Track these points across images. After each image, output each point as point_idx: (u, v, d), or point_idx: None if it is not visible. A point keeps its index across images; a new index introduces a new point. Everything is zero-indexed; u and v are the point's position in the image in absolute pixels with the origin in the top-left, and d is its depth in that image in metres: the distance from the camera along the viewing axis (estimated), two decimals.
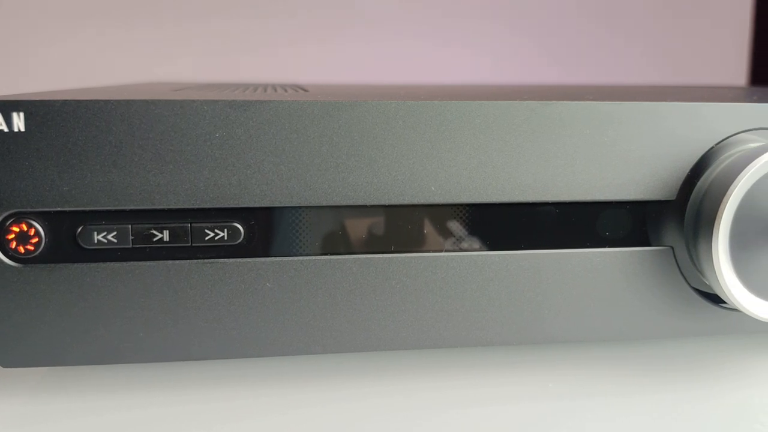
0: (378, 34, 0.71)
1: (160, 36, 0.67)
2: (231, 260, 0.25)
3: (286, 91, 0.36)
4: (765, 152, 0.25)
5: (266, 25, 0.69)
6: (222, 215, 0.25)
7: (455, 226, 0.27)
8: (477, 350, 0.30)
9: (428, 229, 0.26)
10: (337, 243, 0.26)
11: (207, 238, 0.25)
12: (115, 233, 0.24)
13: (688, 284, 0.28)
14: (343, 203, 0.25)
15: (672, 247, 0.28)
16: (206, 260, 0.25)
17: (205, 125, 0.24)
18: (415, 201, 0.26)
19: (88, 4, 0.65)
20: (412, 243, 0.26)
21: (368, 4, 0.70)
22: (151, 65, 0.67)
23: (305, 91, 0.35)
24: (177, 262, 0.25)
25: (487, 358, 0.30)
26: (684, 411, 0.25)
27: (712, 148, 0.27)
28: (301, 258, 0.25)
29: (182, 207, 0.24)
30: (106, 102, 0.24)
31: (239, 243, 0.25)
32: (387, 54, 0.71)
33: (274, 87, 0.43)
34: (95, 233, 0.24)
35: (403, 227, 0.26)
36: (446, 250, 0.27)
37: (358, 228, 0.26)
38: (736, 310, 0.27)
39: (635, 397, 0.27)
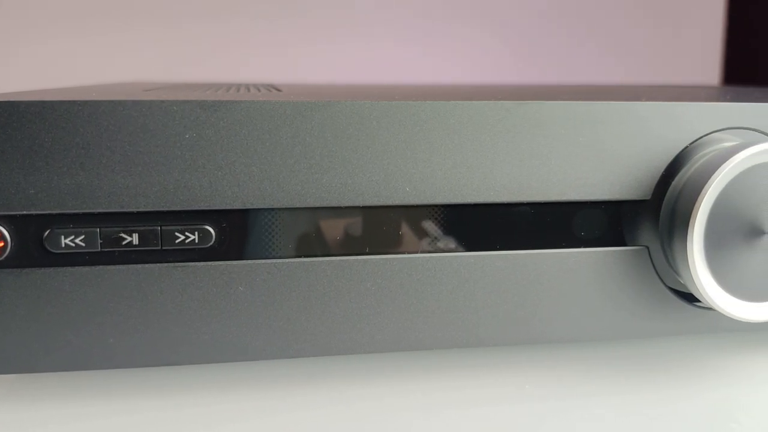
0: (352, 35, 0.70)
1: (136, 36, 0.66)
2: (202, 264, 0.25)
3: (259, 91, 0.36)
4: (739, 151, 0.25)
5: (241, 25, 0.68)
6: (193, 218, 0.24)
7: (430, 227, 0.26)
8: (451, 352, 0.30)
9: (403, 230, 0.26)
10: (310, 245, 0.25)
11: (177, 241, 0.24)
12: (83, 237, 0.24)
13: (664, 284, 0.28)
14: (317, 205, 0.25)
15: (647, 247, 0.28)
16: (177, 264, 0.24)
17: (174, 126, 0.23)
18: (389, 202, 0.25)
19: (64, 6, 0.64)
20: (388, 244, 0.26)
21: (342, 5, 0.70)
22: (127, 66, 0.66)
23: (279, 91, 0.35)
24: (147, 266, 0.24)
25: (461, 360, 0.29)
26: (660, 411, 0.25)
27: (687, 147, 0.27)
28: (274, 261, 0.25)
29: (152, 209, 0.24)
30: (73, 103, 0.23)
31: (210, 246, 0.25)
32: (361, 55, 0.71)
33: (247, 87, 0.42)
34: (63, 237, 0.24)
35: (378, 228, 0.26)
36: (422, 252, 0.26)
37: (332, 229, 0.26)
38: (711, 309, 0.27)
39: (611, 397, 0.26)
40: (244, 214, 0.25)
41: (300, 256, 0.25)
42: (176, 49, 0.67)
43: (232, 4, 0.68)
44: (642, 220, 0.27)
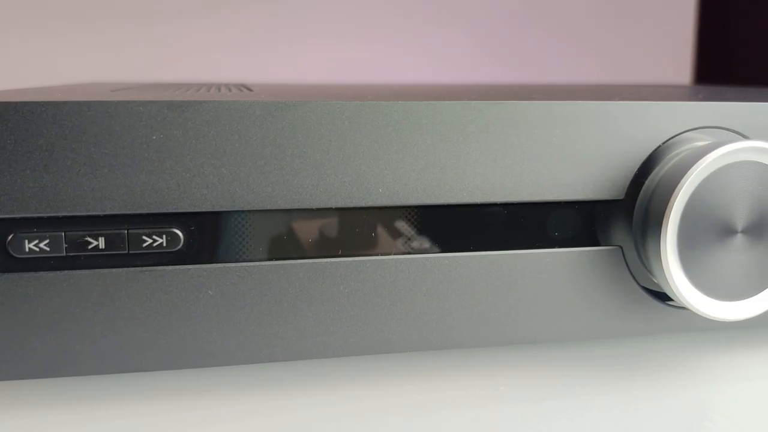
0: (326, 35, 0.70)
1: (109, 36, 0.65)
2: (170, 268, 0.24)
3: (230, 90, 0.35)
4: (711, 151, 0.25)
5: (216, 25, 0.67)
6: (160, 221, 0.24)
7: (404, 228, 0.26)
8: (425, 354, 0.30)
9: (377, 231, 0.26)
10: (281, 248, 0.25)
11: (145, 244, 0.24)
12: (47, 241, 0.23)
13: (637, 283, 0.28)
14: (288, 206, 0.24)
15: (621, 247, 0.28)
16: (144, 268, 0.24)
17: (141, 127, 0.23)
18: (362, 203, 0.25)
19: (37, 5, 0.63)
20: (360, 246, 0.26)
21: (313, 5, 0.69)
22: (100, 66, 0.65)
23: (250, 90, 0.34)
24: (113, 270, 0.24)
25: (436, 362, 0.29)
26: (634, 410, 0.25)
27: (659, 147, 0.27)
28: (244, 264, 0.25)
29: (118, 213, 0.23)
30: (36, 104, 0.22)
31: (179, 249, 0.24)
32: (334, 55, 0.70)
33: (218, 87, 0.42)
34: (26, 241, 0.23)
35: (350, 230, 0.26)
36: (395, 253, 0.26)
37: (303, 232, 0.25)
38: (684, 308, 0.28)
39: (586, 397, 0.26)
40: (213, 216, 0.24)
41: (271, 259, 0.25)
42: (150, 49, 0.66)
43: (209, 4, 0.67)
44: (615, 220, 0.27)
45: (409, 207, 0.26)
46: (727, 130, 0.28)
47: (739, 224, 0.26)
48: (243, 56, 0.68)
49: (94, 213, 0.23)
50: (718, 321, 0.27)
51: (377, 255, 0.26)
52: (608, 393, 0.27)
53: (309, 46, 0.70)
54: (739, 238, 0.26)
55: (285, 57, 0.70)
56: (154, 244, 0.24)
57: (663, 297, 0.28)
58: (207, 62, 0.67)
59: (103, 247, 0.24)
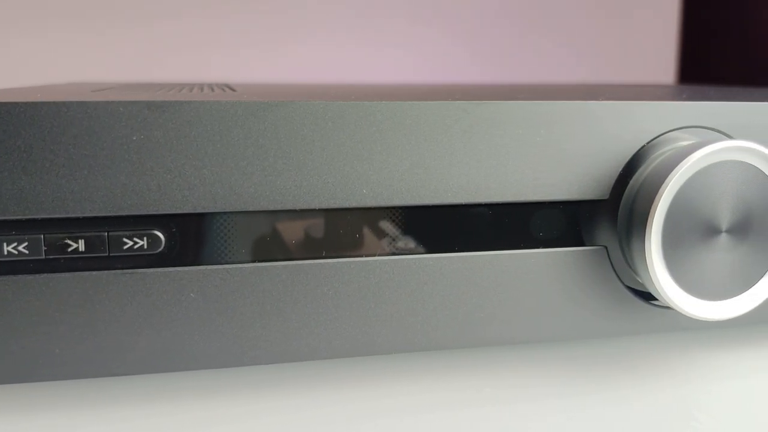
0: (304, 34, 0.70)
1: (94, 36, 0.64)
2: (151, 270, 0.24)
3: (213, 90, 0.35)
4: (695, 150, 0.25)
5: (195, 25, 0.67)
6: (141, 223, 0.24)
7: (388, 229, 0.26)
8: (410, 356, 0.29)
9: (361, 232, 0.26)
10: (264, 249, 0.25)
11: (125, 247, 0.24)
12: (26, 244, 0.23)
13: (622, 283, 0.28)
14: (270, 208, 0.24)
15: (605, 247, 0.28)
16: (125, 271, 0.24)
17: (121, 128, 0.23)
18: (346, 204, 0.25)
19: (19, 5, 0.63)
20: (344, 247, 0.26)
21: (293, 4, 0.69)
22: (84, 66, 0.64)
23: (233, 90, 0.34)
24: (94, 273, 0.23)
25: (421, 363, 0.29)
26: (620, 410, 0.25)
27: (644, 146, 0.27)
28: (226, 266, 0.24)
29: (98, 215, 0.23)
30: (14, 105, 0.22)
31: (160, 252, 0.24)
32: (313, 55, 0.70)
33: (201, 87, 0.41)
34: (5, 244, 0.23)
35: (334, 231, 0.25)
36: (380, 254, 0.26)
37: (286, 233, 0.25)
38: (669, 308, 0.28)
39: (571, 398, 0.26)
40: (194, 218, 0.24)
41: (254, 261, 0.25)
42: (138, 49, 0.65)
43: (193, 4, 0.66)
44: (600, 220, 0.27)
45: (394, 208, 0.26)
46: (711, 129, 0.28)
47: (724, 224, 0.26)
48: (228, 56, 0.68)
49: (73, 215, 0.23)
50: (702, 320, 0.27)
51: (362, 256, 0.26)
52: (593, 393, 0.27)
53: (295, 46, 0.70)
54: (724, 238, 0.26)
55: (270, 57, 0.69)
56: (135, 247, 0.24)
57: (648, 297, 0.28)
58: (195, 62, 0.67)
59: (83, 249, 0.23)
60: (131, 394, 0.26)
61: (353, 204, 0.25)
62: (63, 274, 0.23)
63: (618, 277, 0.28)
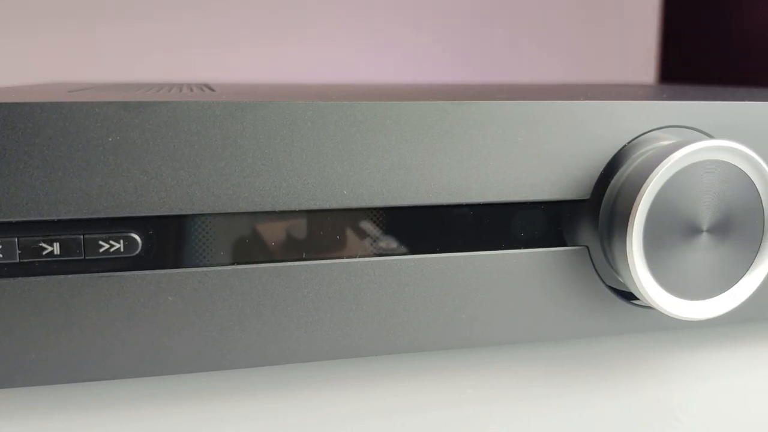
0: (284, 33, 0.69)
1: (73, 37, 0.64)
2: (128, 273, 0.23)
3: (192, 90, 0.35)
4: (676, 150, 0.25)
5: (174, 25, 0.66)
6: (117, 225, 0.23)
7: (369, 230, 0.26)
8: (392, 358, 0.29)
9: (341, 234, 0.25)
10: (243, 251, 0.24)
11: (101, 250, 0.23)
12: (0, 248, 0.23)
13: (604, 283, 0.28)
14: (249, 209, 0.24)
15: (587, 247, 0.27)
16: (101, 274, 0.23)
17: (96, 129, 0.22)
18: (326, 206, 0.25)
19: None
20: (325, 249, 0.25)
21: (275, 4, 0.69)
22: (64, 66, 0.63)
23: (212, 90, 0.34)
24: (69, 276, 0.23)
25: (402, 365, 0.29)
26: (602, 410, 0.25)
27: (625, 146, 0.27)
28: (204, 269, 0.24)
29: (74, 217, 0.23)
30: None
31: (137, 255, 0.24)
32: (294, 55, 0.70)
33: (180, 87, 0.41)
34: None
35: (314, 233, 0.25)
36: (360, 256, 0.26)
37: (265, 235, 0.25)
38: (650, 307, 0.27)
39: (554, 398, 0.26)
40: (171, 220, 0.24)
41: (232, 264, 0.24)
42: (119, 49, 0.65)
43: (173, 3, 0.66)
44: (582, 220, 0.27)
45: (374, 209, 0.26)
46: (692, 129, 0.28)
47: (704, 223, 0.26)
48: (210, 56, 0.67)
49: (48, 218, 0.22)
50: (683, 320, 0.27)
51: (342, 258, 0.25)
52: (575, 393, 0.27)
53: (278, 47, 0.69)
54: (704, 237, 0.26)
55: (252, 57, 0.69)
56: (111, 250, 0.23)
57: (629, 296, 0.28)
58: (178, 62, 0.66)
59: (59, 253, 0.23)
60: (108, 399, 0.26)
61: (333, 205, 0.25)
62: (38, 278, 0.23)
63: (600, 277, 0.28)
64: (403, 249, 0.26)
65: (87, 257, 0.23)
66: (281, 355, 0.25)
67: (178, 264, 0.24)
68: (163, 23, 0.66)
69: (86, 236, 0.23)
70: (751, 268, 0.27)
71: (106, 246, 0.23)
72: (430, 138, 0.25)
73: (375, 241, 0.26)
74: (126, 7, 0.65)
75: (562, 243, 0.28)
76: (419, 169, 0.25)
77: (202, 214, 0.24)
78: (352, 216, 0.25)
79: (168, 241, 0.24)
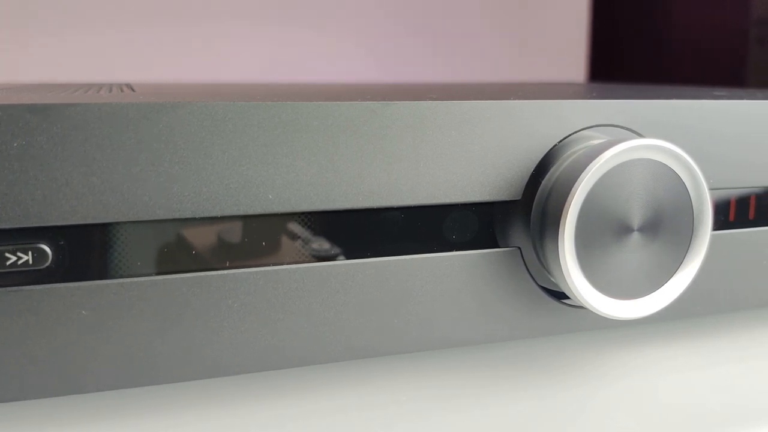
0: (252, 30, 0.68)
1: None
2: (38, 287, 0.22)
3: (111, 91, 0.33)
4: (607, 149, 0.25)
5: (114, 24, 0.64)
6: (25, 236, 0.22)
7: (296, 236, 0.25)
8: (323, 367, 0.28)
9: (266, 241, 0.24)
10: (162, 261, 0.23)
11: (9, 263, 0.22)
12: None
13: (536, 284, 0.28)
14: (167, 217, 0.23)
15: (519, 248, 0.27)
16: (8, 289, 0.22)
17: (0, 133, 0.21)
18: (250, 211, 0.24)
19: None
20: (250, 257, 0.24)
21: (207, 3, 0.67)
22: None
23: (133, 91, 0.32)
24: None
25: (333, 374, 0.28)
26: (532, 411, 0.25)
27: (555, 146, 0.27)
28: (120, 280, 0.23)
29: None
30: None
31: (47, 267, 0.22)
32: (263, 52, 0.68)
33: (99, 87, 0.39)
34: None
35: (238, 240, 0.24)
36: (288, 263, 0.25)
37: (186, 243, 0.23)
38: (582, 307, 0.27)
39: (489, 398, 0.26)
40: (84, 229, 0.22)
41: (150, 274, 0.23)
42: (49, 51, 0.62)
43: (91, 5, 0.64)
44: (513, 221, 0.27)
45: (301, 213, 0.25)
46: (622, 128, 0.28)
47: (635, 222, 0.26)
48: (144, 55, 0.65)
49: None
50: (616, 319, 0.27)
51: (269, 265, 0.24)
52: (504, 393, 0.26)
53: (237, 42, 0.67)
54: (636, 236, 0.26)
55: (212, 53, 0.67)
56: (19, 262, 0.22)
57: (562, 296, 0.28)
58: (98, 63, 0.64)
59: None
60: (20, 421, 0.24)
61: (258, 210, 0.24)
62: None
63: (532, 277, 0.28)
64: (333, 255, 0.25)
65: None
66: (206, 368, 0.24)
67: (92, 276, 0.22)
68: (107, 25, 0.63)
69: None
70: (681, 266, 0.27)
71: (13, 258, 0.22)
72: (357, 139, 0.24)
73: (303, 247, 0.25)
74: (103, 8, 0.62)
75: (494, 244, 0.27)
76: (347, 172, 0.24)
77: (117, 223, 0.22)
78: (278, 221, 0.24)
79: (80, 251, 0.22)
